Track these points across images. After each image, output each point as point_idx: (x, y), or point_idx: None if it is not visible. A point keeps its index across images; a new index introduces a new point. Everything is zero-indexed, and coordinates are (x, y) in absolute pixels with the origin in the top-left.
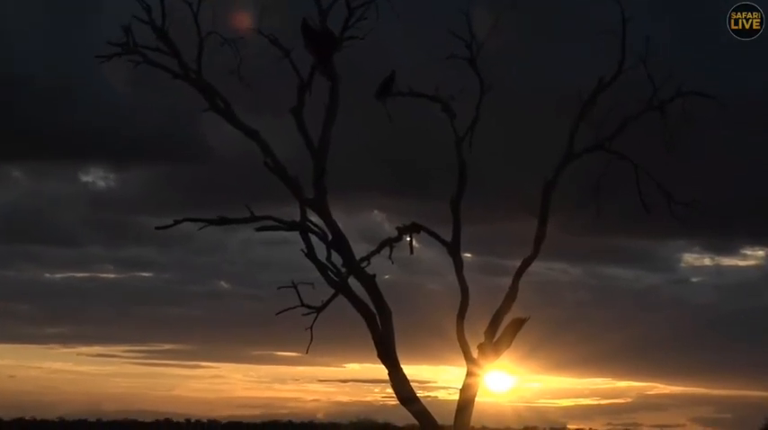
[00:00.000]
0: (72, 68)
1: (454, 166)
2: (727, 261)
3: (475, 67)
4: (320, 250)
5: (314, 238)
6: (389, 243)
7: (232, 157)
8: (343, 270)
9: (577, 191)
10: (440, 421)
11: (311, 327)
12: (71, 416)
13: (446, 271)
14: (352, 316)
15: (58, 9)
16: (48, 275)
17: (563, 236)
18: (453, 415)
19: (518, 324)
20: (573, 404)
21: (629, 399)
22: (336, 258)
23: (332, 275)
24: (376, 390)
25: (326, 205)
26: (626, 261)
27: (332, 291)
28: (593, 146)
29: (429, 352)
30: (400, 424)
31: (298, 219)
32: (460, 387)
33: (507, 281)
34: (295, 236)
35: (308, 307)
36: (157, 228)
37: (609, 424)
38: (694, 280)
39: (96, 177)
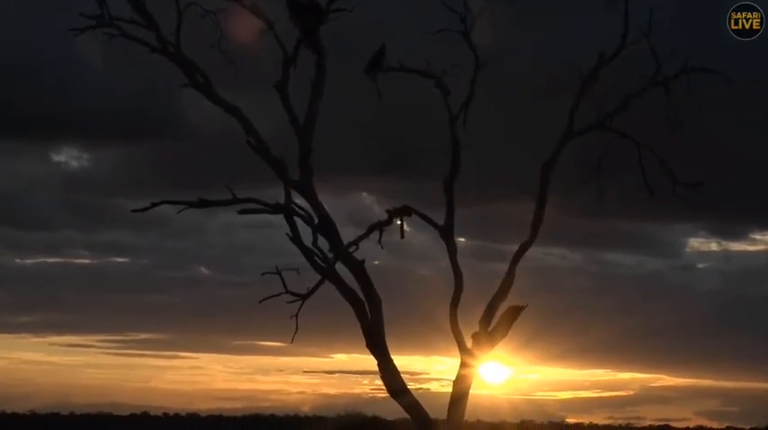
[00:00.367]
0: (44, 42)
1: (447, 146)
2: (735, 246)
3: (469, 40)
4: (306, 234)
5: (299, 222)
6: (379, 226)
7: (212, 136)
8: (330, 255)
9: (577, 171)
10: (432, 415)
11: (296, 316)
12: (42, 409)
13: (439, 256)
14: (340, 303)
15: None
16: (18, 261)
17: (562, 219)
18: (446, 408)
19: (515, 312)
20: (572, 397)
21: (631, 392)
22: (323, 243)
23: (318, 261)
24: (364, 382)
25: (312, 187)
26: (628, 246)
27: (318, 278)
28: (593, 124)
29: (421, 341)
30: (390, 418)
31: (282, 201)
32: (454, 378)
33: (503, 266)
34: (279, 219)
35: (293, 294)
36: (134, 210)
37: (610, 417)
38: (700, 266)
39: (69, 157)
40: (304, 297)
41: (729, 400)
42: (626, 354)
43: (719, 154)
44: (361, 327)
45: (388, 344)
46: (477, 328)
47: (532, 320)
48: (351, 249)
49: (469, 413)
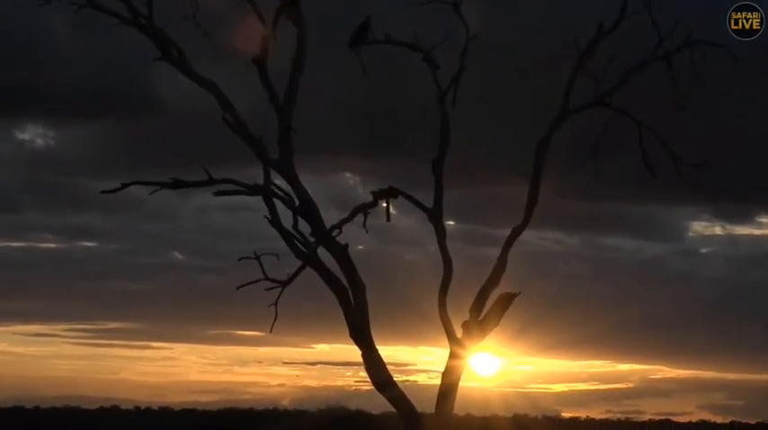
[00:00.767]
0: (7, 12)
1: (436, 124)
2: (741, 230)
3: (459, 12)
4: (286, 217)
5: (279, 204)
6: (363, 209)
7: (187, 113)
8: (312, 239)
9: (574, 151)
10: (419, 408)
11: (276, 304)
12: (5, 403)
13: (427, 240)
14: (322, 291)
15: None
16: None
17: (557, 201)
18: (434, 401)
19: (507, 300)
20: (568, 389)
21: (630, 384)
22: (304, 226)
23: (299, 245)
24: (348, 374)
25: (293, 167)
26: (627, 230)
27: (299, 263)
28: (591, 101)
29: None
30: (375, 412)
31: (261, 182)
32: (443, 370)
33: (495, 251)
34: (258, 201)
35: (273, 281)
36: (103, 191)
37: (608, 411)
38: (704, 251)
39: (34, 135)
40: (284, 284)
41: (734, 393)
42: (624, 345)
43: (725, 132)
44: (345, 316)
45: (372, 333)
46: (467, 317)
47: (526, 308)
48: (334, 233)
49: (459, 407)
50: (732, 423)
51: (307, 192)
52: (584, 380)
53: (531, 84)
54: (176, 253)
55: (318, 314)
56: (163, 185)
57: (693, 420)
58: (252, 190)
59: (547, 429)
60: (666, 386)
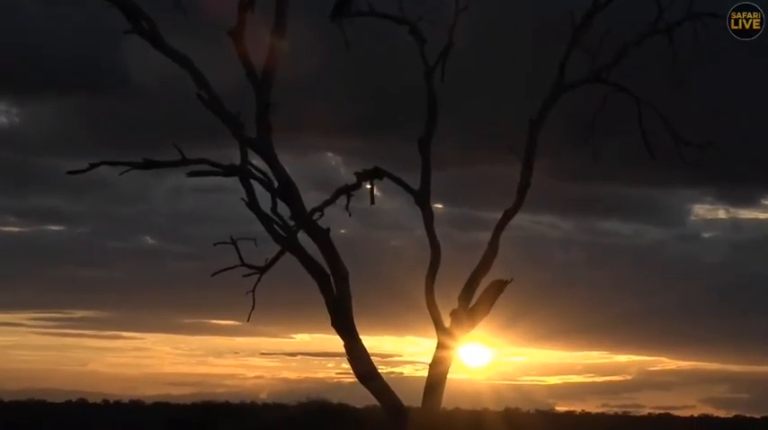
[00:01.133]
0: None
1: (423, 101)
2: (745, 213)
3: None
4: (264, 199)
5: (256, 185)
6: (346, 191)
7: (159, 89)
8: (292, 223)
9: (569, 130)
10: (405, 402)
11: (253, 291)
12: None
13: (413, 224)
14: (302, 278)
15: None
16: None
17: (552, 183)
18: (421, 394)
19: (498, 287)
20: (562, 382)
21: (628, 377)
22: (283, 209)
23: (278, 229)
24: (330, 366)
25: (272, 146)
26: (626, 213)
27: (278, 248)
28: (587, 76)
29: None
30: (358, 405)
31: (237, 162)
32: (430, 361)
33: (486, 236)
34: (234, 182)
35: (250, 267)
36: (70, 172)
37: (605, 405)
38: (706, 235)
39: None
40: (262, 270)
41: (738, 386)
42: (622, 335)
43: (729, 111)
44: (326, 304)
45: (356, 322)
46: (455, 305)
47: (518, 296)
48: (315, 216)
49: (447, 400)
50: (736, 417)
51: (286, 173)
52: (579, 373)
53: (524, 59)
54: (148, 237)
55: (298, 302)
56: (133, 166)
57: (695, 414)
58: (228, 170)
59: (540, 424)
60: (666, 378)
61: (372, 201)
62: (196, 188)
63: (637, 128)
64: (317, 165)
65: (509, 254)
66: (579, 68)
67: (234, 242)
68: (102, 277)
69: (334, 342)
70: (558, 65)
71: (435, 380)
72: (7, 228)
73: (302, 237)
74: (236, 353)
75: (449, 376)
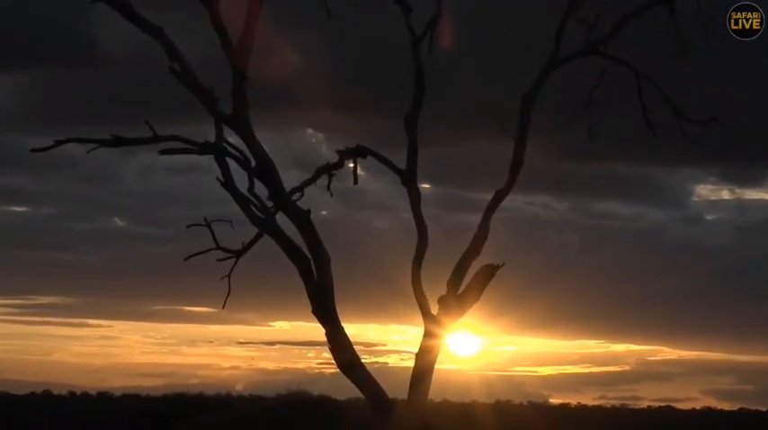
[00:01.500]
0: None
1: (409, 74)
2: (751, 194)
3: None
4: (241, 179)
5: (232, 164)
6: (328, 170)
7: (129, 62)
8: (270, 204)
9: (564, 105)
10: (390, 394)
11: (229, 276)
12: None
13: (399, 205)
14: (281, 262)
15: None
16: None
17: (546, 161)
18: (407, 386)
19: (489, 272)
20: (557, 372)
21: (627, 367)
22: (261, 189)
23: (255, 211)
24: (310, 355)
25: (248, 122)
26: (624, 194)
27: (255, 231)
28: (584, 49)
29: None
30: (340, 397)
31: (212, 139)
32: (416, 351)
33: (476, 218)
34: (209, 161)
35: (226, 250)
36: (34, 150)
37: (602, 397)
38: (709, 217)
39: None
40: (238, 254)
41: (743, 377)
42: (620, 323)
43: (734, 86)
44: (307, 291)
45: (338, 310)
46: (444, 291)
47: (510, 282)
48: (294, 197)
49: (435, 392)
50: (741, 410)
51: (264, 151)
52: (574, 363)
53: (517, 30)
54: (117, 219)
55: (277, 288)
56: (102, 143)
57: (697, 407)
58: (202, 148)
59: (533, 417)
60: (667, 369)
61: (356, 181)
62: (168, 167)
63: (636, 103)
64: (297, 143)
65: (500, 237)
66: (575, 40)
67: (208, 224)
68: (68, 261)
69: (315, 330)
70: (554, 36)
71: (422, 370)
72: None
73: (281, 218)
74: (210, 341)
75: (436, 366)
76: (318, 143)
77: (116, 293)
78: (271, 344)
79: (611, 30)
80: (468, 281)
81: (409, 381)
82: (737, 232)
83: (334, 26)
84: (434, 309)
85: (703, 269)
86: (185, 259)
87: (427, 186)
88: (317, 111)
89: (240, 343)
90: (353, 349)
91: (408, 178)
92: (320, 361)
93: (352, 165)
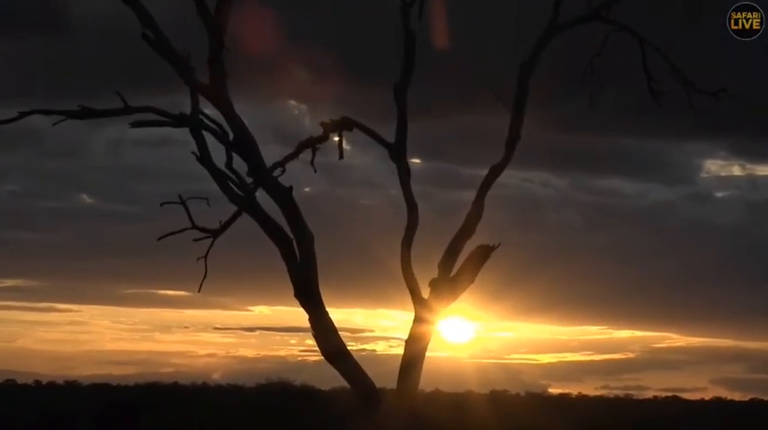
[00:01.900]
0: None
1: (399, 42)
2: (763, 169)
3: None
4: (218, 153)
5: (209, 137)
6: (312, 144)
7: (99, 28)
8: (249, 180)
9: (564, 74)
10: (378, 383)
11: (205, 257)
12: None
13: (387, 182)
14: (262, 242)
15: None
16: None
17: (545, 135)
18: (396, 375)
19: (483, 253)
20: (556, 360)
21: (631, 354)
22: (240, 164)
23: (234, 187)
24: (292, 342)
25: (226, 93)
26: (628, 170)
27: (234, 209)
28: (585, 14)
29: (364, 291)
30: (324, 387)
31: (188, 111)
32: (406, 338)
33: (469, 195)
34: (184, 134)
35: (202, 230)
36: None
37: (605, 387)
38: (719, 194)
39: None
40: (215, 233)
41: (755, 365)
42: (624, 307)
43: (745, 53)
44: (289, 273)
45: (322, 293)
46: (435, 274)
47: (506, 264)
48: (275, 173)
49: (426, 381)
50: (752, 401)
51: (243, 123)
52: (575, 350)
53: None
54: (85, 196)
55: (257, 270)
56: (69, 115)
57: (706, 397)
58: (176, 120)
59: (531, 408)
60: (674, 356)
61: (341, 156)
62: (140, 140)
63: (640, 72)
64: (279, 115)
65: (496, 215)
66: (576, 6)
67: (183, 202)
68: (33, 241)
69: (298, 315)
70: (552, 1)
71: (412, 358)
72: None
73: (261, 195)
74: (185, 327)
75: (427, 354)
76: (301, 115)
77: (85, 276)
78: (250, 330)
79: None
80: (461, 263)
81: (398, 370)
82: (749, 210)
83: None
84: (425, 293)
85: (712, 250)
86: (159, 239)
87: (417, 161)
88: (299, 81)
89: (217, 329)
90: (339, 336)
91: (397, 152)
92: (303, 348)
93: (337, 138)
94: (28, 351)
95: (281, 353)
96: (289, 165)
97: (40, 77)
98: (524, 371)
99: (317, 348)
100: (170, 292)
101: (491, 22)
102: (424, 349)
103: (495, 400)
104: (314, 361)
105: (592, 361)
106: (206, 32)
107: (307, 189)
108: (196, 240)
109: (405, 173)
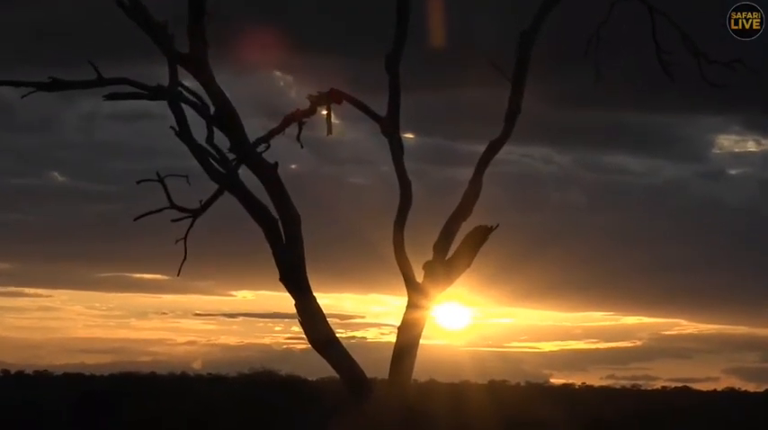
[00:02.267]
0: None
1: (391, 9)
2: None
3: None
4: (198, 128)
5: (189, 111)
6: (298, 118)
7: None
8: (232, 156)
9: (567, 44)
10: (369, 373)
11: (185, 239)
12: None
13: (378, 158)
14: (244, 223)
15: None
16: None
17: (546, 109)
18: (388, 364)
19: (481, 235)
20: (559, 348)
21: (638, 342)
22: (221, 139)
23: (215, 164)
24: (277, 330)
25: (207, 63)
26: (635, 146)
27: (215, 187)
28: None
29: (354, 275)
30: (311, 377)
31: (165, 82)
32: (399, 324)
33: (466, 173)
34: (162, 107)
35: (181, 209)
36: None
37: (610, 376)
38: (732, 172)
39: None
40: (195, 213)
41: None
42: (632, 292)
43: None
44: (274, 255)
45: (310, 277)
46: (430, 256)
47: (505, 246)
48: (259, 148)
49: (419, 371)
50: (767, 391)
51: (225, 96)
52: (579, 337)
53: None
54: (56, 173)
55: (239, 253)
56: (38, 86)
57: (718, 388)
58: (153, 92)
59: (532, 398)
60: (684, 344)
61: (329, 131)
62: (115, 114)
63: (649, 42)
64: (263, 87)
65: (494, 194)
66: None
67: (161, 179)
68: (0, 222)
69: (283, 300)
70: None
71: (405, 346)
72: None
73: (244, 173)
74: (163, 313)
75: (421, 342)
76: (287, 87)
77: (56, 258)
78: (232, 316)
79: None
80: (457, 245)
81: (390, 359)
82: (764, 188)
83: None
84: (419, 277)
85: (725, 231)
86: (135, 219)
87: (411, 136)
88: (285, 51)
89: (197, 315)
90: (327, 322)
91: (389, 127)
92: (289, 335)
93: (325, 112)
94: None
95: (266, 340)
96: (273, 141)
97: (6, 46)
98: (525, 360)
99: (303, 336)
100: (147, 276)
101: None
102: (418, 336)
103: (494, 391)
104: (300, 349)
105: (597, 349)
106: None
107: (293, 166)
108: (175, 220)
109: (397, 149)
